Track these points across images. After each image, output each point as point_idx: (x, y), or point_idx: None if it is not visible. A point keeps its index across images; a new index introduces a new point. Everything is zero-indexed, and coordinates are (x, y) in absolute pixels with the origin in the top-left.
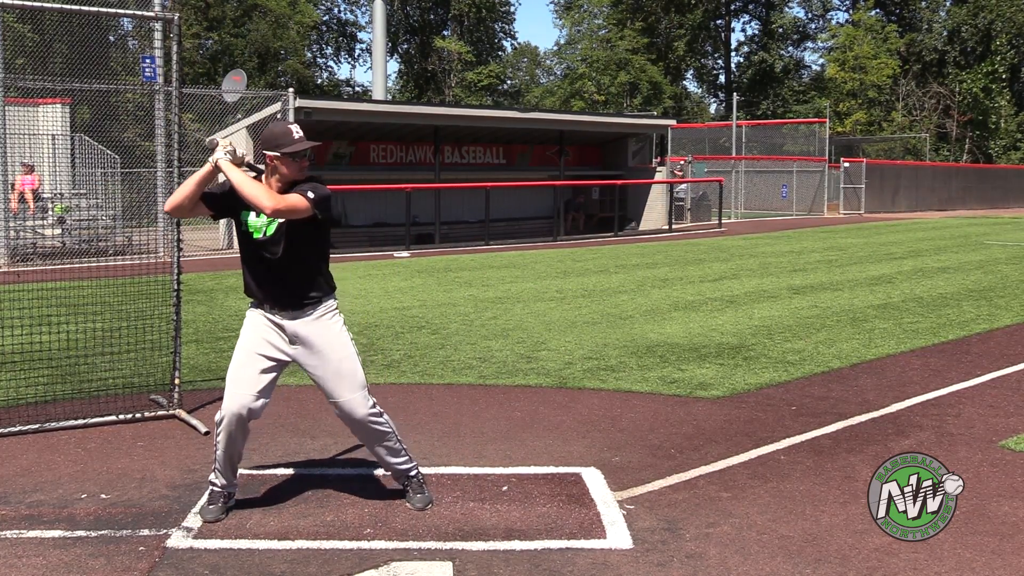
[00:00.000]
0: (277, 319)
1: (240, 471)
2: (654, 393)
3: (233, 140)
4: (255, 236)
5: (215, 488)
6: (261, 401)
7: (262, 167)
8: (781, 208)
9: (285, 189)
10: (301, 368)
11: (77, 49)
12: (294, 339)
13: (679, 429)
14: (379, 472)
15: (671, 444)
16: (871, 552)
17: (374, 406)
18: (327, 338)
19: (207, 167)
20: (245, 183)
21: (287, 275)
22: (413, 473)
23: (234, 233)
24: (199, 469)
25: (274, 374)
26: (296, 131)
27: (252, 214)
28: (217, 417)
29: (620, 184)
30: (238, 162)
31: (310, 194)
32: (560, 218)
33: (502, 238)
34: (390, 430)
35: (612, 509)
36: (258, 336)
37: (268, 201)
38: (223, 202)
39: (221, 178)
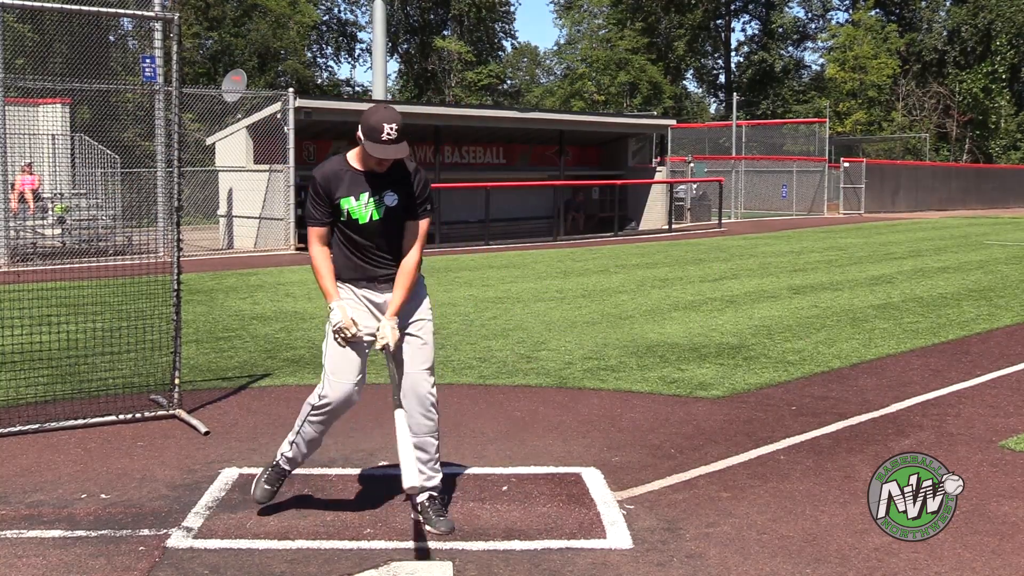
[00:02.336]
0: (371, 294)
1: (240, 471)
2: (654, 393)
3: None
4: (362, 221)
5: (283, 465)
6: (361, 386)
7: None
8: (781, 208)
9: (375, 166)
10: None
11: (77, 49)
12: (385, 309)
13: (679, 429)
14: (379, 472)
15: (671, 444)
16: (871, 552)
17: (435, 389)
18: (417, 310)
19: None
20: (407, 293)
21: (389, 251)
22: (440, 490)
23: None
24: (199, 469)
25: (367, 354)
26: (387, 131)
27: (351, 199)
28: (316, 401)
29: (620, 184)
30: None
31: (429, 207)
32: (560, 218)
33: (502, 238)
34: (438, 427)
35: (612, 509)
36: (357, 321)
37: (420, 262)
38: (332, 208)
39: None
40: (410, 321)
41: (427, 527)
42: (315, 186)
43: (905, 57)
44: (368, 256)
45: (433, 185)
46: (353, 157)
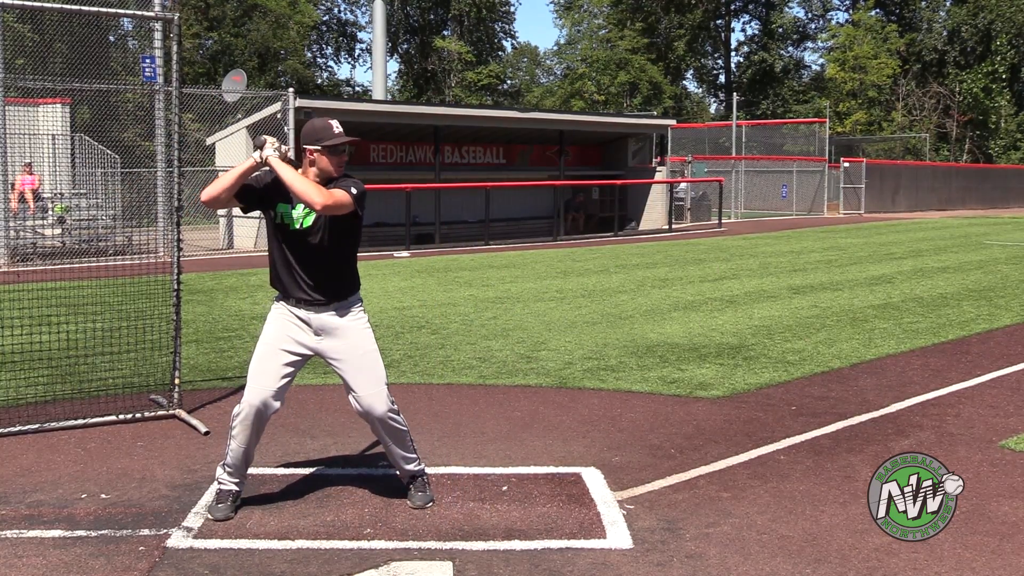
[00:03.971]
0: (303, 313)
1: None
2: (654, 393)
3: (274, 139)
4: (292, 227)
5: (224, 487)
6: (281, 396)
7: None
8: (781, 208)
9: (322, 184)
10: (324, 361)
11: (77, 49)
12: (320, 331)
13: (679, 429)
14: (379, 472)
15: (671, 444)
16: (871, 552)
17: (393, 403)
18: (353, 332)
19: (250, 162)
20: (296, 179)
21: (321, 267)
22: (421, 475)
23: (239, 228)
24: (199, 469)
25: (295, 369)
26: (336, 126)
27: (288, 205)
28: (235, 410)
29: (620, 184)
30: (284, 156)
31: (353, 190)
32: (560, 218)
33: (502, 238)
34: (406, 429)
35: (612, 509)
36: (282, 331)
37: (319, 197)
38: (259, 194)
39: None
40: (340, 344)
41: (407, 502)
42: (257, 178)
43: (905, 57)
44: (294, 273)
45: (433, 185)
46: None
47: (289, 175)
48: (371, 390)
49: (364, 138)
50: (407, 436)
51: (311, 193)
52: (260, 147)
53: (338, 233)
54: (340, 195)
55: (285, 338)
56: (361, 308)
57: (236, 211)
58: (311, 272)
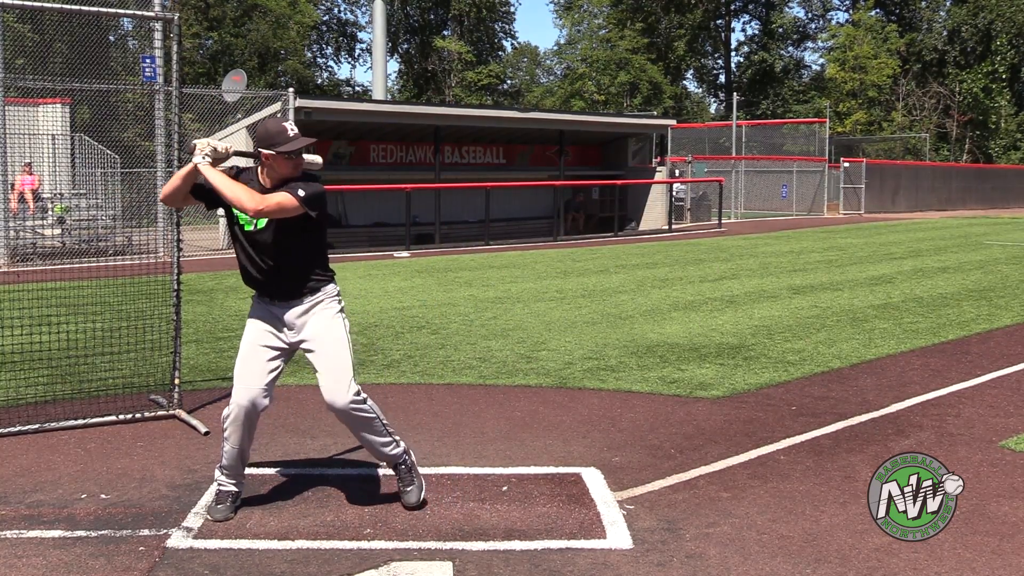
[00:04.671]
0: (277, 308)
1: None
2: (654, 393)
3: (217, 139)
4: (247, 228)
5: (223, 488)
6: (268, 394)
7: (251, 152)
8: (781, 208)
9: (279, 186)
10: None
11: (77, 49)
12: (292, 324)
13: (679, 429)
14: (379, 472)
15: (671, 444)
16: (871, 552)
17: (358, 394)
18: (319, 321)
19: (189, 166)
20: (224, 186)
21: (280, 266)
22: (403, 459)
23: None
24: (199, 469)
25: (280, 364)
26: (291, 128)
27: None
28: (225, 413)
29: (620, 184)
30: (222, 157)
31: (300, 192)
32: (560, 218)
33: (502, 238)
34: (374, 415)
35: (612, 509)
36: (261, 328)
37: (251, 203)
38: (213, 194)
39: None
40: (307, 335)
41: (400, 501)
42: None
43: (905, 57)
44: (260, 271)
45: (433, 185)
46: (261, 175)
47: (218, 182)
48: (330, 383)
49: (364, 138)
50: (376, 422)
51: (242, 199)
52: (190, 152)
53: (291, 232)
54: (279, 198)
55: (265, 334)
56: (334, 299)
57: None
58: (274, 269)
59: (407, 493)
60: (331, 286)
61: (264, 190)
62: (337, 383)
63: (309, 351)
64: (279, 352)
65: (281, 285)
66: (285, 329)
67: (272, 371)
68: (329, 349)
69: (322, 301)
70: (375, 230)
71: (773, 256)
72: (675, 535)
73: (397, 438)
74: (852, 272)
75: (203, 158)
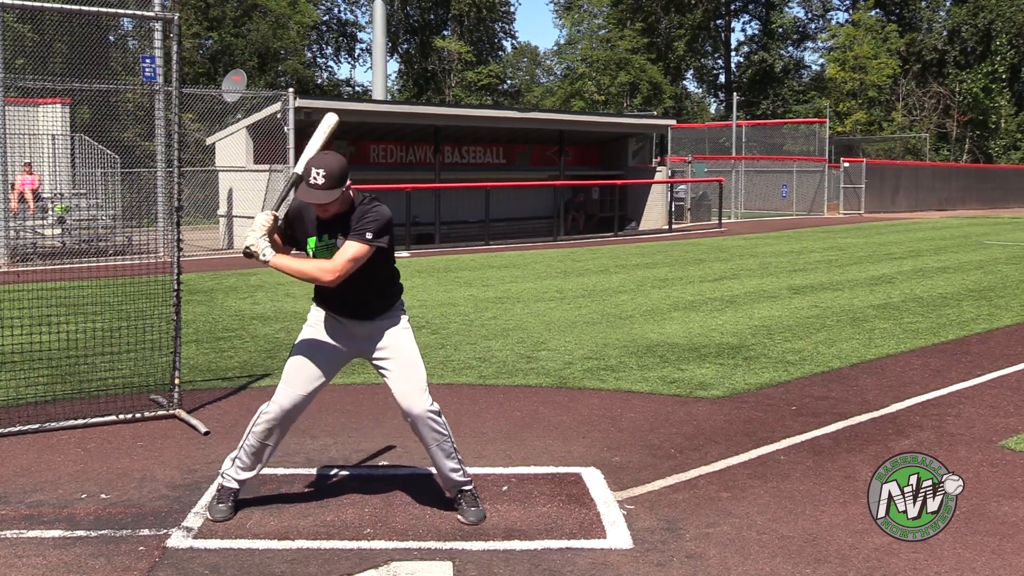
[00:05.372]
0: (347, 321)
1: None
2: (654, 393)
3: (258, 226)
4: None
5: (227, 485)
6: (311, 400)
7: (285, 195)
8: (781, 208)
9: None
10: (368, 363)
11: (77, 49)
12: (363, 336)
13: (679, 429)
14: (379, 472)
15: (671, 444)
16: (871, 552)
17: (433, 405)
18: (393, 333)
19: (265, 258)
20: (296, 271)
21: (356, 292)
22: (467, 488)
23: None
24: (199, 469)
25: (329, 377)
26: (314, 175)
27: (315, 239)
28: (264, 407)
29: (620, 184)
30: (275, 230)
31: (368, 235)
32: (560, 218)
33: (502, 238)
34: (447, 433)
35: (612, 509)
36: (322, 335)
37: (327, 276)
38: (292, 236)
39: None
40: (381, 346)
41: (458, 517)
42: (289, 210)
43: (905, 57)
44: (335, 296)
45: (433, 185)
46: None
47: (290, 269)
48: (409, 390)
49: (364, 138)
50: (448, 440)
51: (317, 275)
52: (252, 256)
53: (364, 266)
54: (351, 254)
55: (325, 342)
56: (403, 314)
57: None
58: (349, 296)
59: (467, 512)
60: (400, 305)
61: (320, 220)
62: (416, 390)
63: (383, 359)
64: (335, 362)
65: (361, 307)
66: (353, 339)
67: (322, 381)
68: (406, 358)
69: (392, 318)
70: None
71: (773, 256)
72: (675, 535)
73: (465, 467)
74: (852, 272)
75: (265, 252)
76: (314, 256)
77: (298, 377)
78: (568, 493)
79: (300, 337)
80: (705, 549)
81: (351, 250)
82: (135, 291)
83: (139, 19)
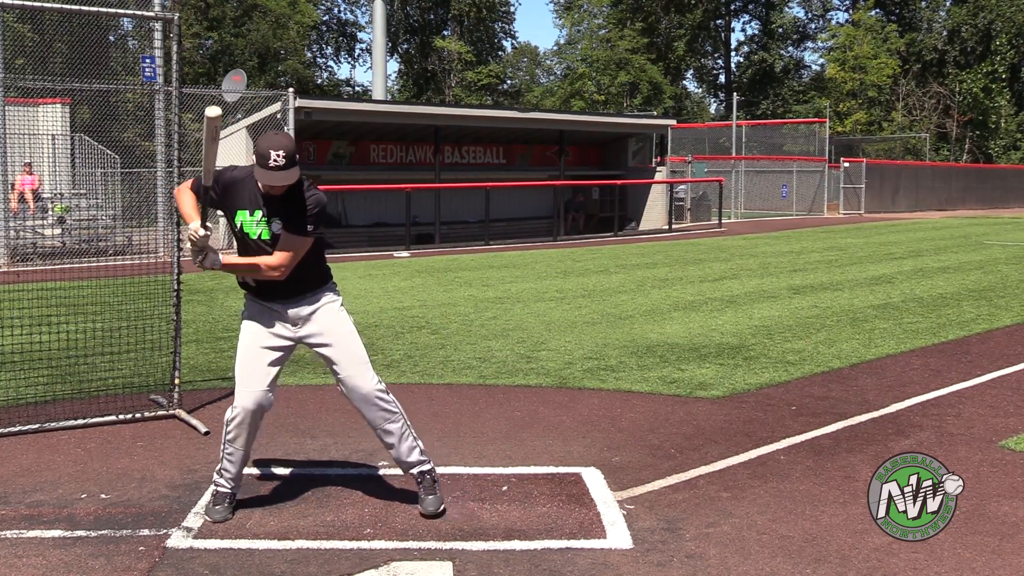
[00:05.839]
0: (278, 305)
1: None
2: (654, 393)
3: (201, 243)
4: (251, 236)
5: (221, 489)
6: (272, 394)
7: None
8: (781, 208)
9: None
10: (308, 347)
11: (77, 49)
12: (296, 320)
13: (679, 429)
14: (379, 472)
15: (671, 444)
16: (871, 552)
17: (380, 383)
18: (326, 315)
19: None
20: (244, 267)
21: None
22: (426, 469)
23: (230, 229)
24: (199, 469)
25: (281, 365)
26: (275, 157)
27: (247, 213)
28: (229, 415)
29: (620, 184)
30: (203, 240)
31: (309, 227)
32: (560, 218)
33: (502, 238)
34: (398, 411)
35: (612, 509)
36: (260, 328)
37: (276, 273)
38: (220, 201)
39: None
40: (317, 328)
41: (418, 508)
42: (219, 177)
43: (905, 57)
44: (262, 280)
45: (433, 185)
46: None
47: (241, 264)
48: (353, 372)
49: (364, 138)
50: (399, 418)
51: (265, 272)
52: (204, 265)
53: None
54: (293, 247)
55: (263, 334)
56: (336, 295)
57: None
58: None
59: (426, 501)
60: (331, 283)
61: (261, 194)
62: (360, 371)
63: (322, 345)
64: (280, 351)
65: (284, 289)
66: (288, 325)
67: (274, 371)
68: (344, 340)
69: (324, 297)
70: (375, 230)
71: (773, 256)
72: (675, 535)
73: (422, 448)
74: (852, 272)
75: (215, 263)
76: (242, 229)
77: (252, 376)
78: (568, 493)
79: (241, 336)
80: (705, 549)
81: (294, 244)
82: (135, 291)
83: (139, 19)
